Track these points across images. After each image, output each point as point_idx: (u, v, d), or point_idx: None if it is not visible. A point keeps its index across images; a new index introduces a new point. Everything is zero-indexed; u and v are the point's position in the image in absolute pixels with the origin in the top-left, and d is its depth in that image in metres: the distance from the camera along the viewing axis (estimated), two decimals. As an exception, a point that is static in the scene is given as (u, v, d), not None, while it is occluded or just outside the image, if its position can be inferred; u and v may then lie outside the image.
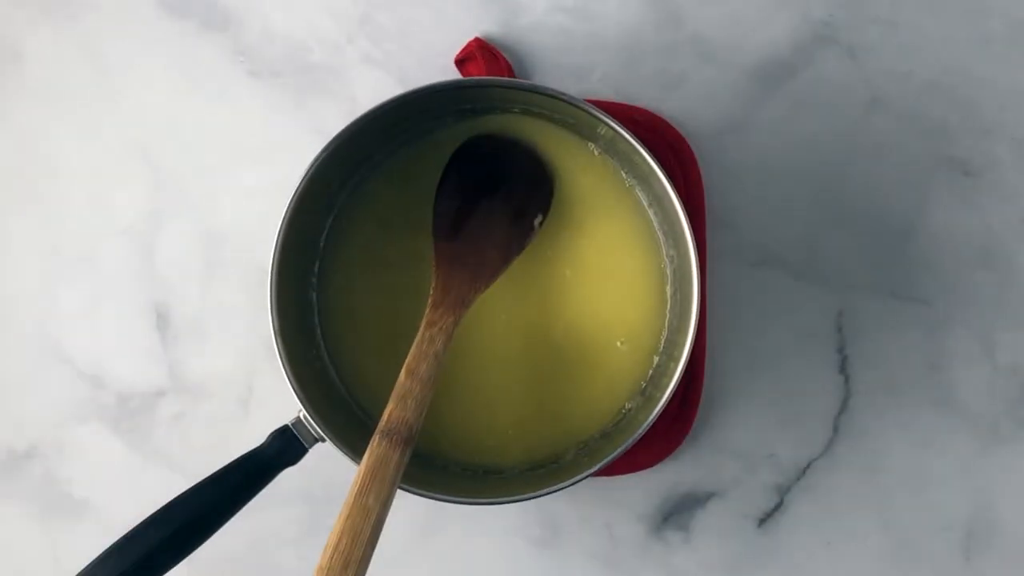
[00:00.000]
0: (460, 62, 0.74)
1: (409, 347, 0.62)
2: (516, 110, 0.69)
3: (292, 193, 0.64)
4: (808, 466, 0.74)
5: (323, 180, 0.65)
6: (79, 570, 0.59)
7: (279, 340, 0.64)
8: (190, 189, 0.76)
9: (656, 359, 0.69)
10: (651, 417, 0.64)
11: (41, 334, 0.76)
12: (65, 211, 0.76)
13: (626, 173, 0.69)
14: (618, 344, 0.69)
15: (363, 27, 0.75)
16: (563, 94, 0.64)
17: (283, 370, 0.64)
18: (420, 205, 0.69)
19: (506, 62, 0.73)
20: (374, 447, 0.58)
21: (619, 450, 0.64)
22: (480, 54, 0.73)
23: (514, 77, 0.73)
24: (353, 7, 0.75)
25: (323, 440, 0.62)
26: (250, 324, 0.75)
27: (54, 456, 0.76)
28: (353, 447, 0.64)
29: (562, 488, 0.64)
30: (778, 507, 0.74)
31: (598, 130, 0.67)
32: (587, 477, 0.64)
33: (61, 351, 0.76)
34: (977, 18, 0.74)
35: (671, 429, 0.73)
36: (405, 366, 0.61)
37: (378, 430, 0.58)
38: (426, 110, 0.68)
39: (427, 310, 0.63)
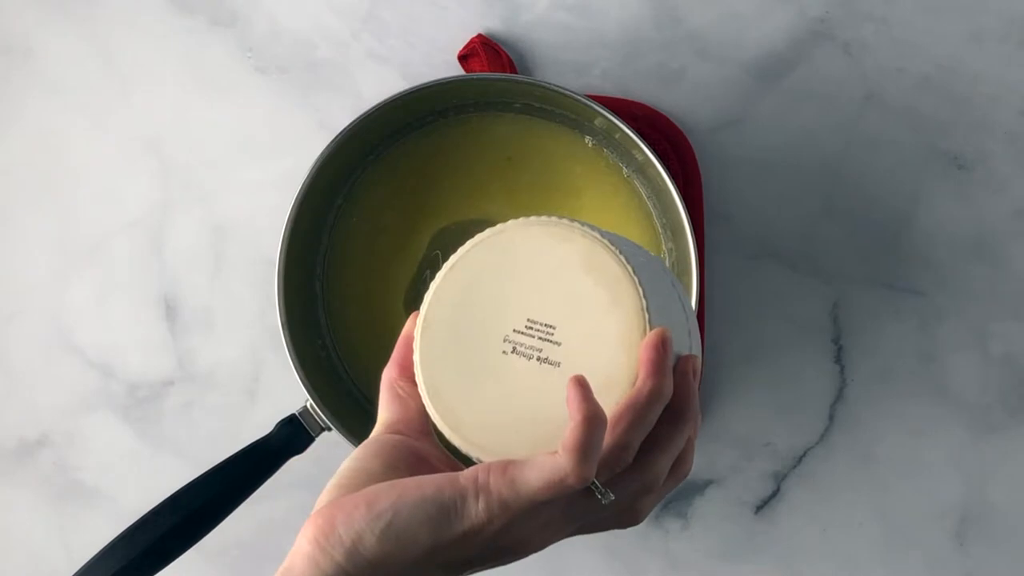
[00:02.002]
0: (463, 58, 0.74)
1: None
2: (517, 106, 0.70)
3: (299, 186, 0.65)
4: (804, 454, 0.75)
5: (329, 173, 0.66)
6: (90, 557, 0.60)
7: (286, 331, 0.65)
8: (198, 182, 0.76)
9: (655, 349, 0.70)
10: (650, 406, 0.65)
11: (52, 325, 0.77)
12: (75, 204, 0.77)
13: (626, 167, 0.70)
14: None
15: (367, 24, 0.76)
16: (565, 89, 0.64)
17: (290, 360, 0.65)
18: (424, 197, 0.70)
19: (508, 58, 0.74)
20: None
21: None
22: (482, 50, 0.73)
23: (516, 73, 0.74)
24: (358, 4, 0.76)
25: (329, 429, 0.63)
26: (257, 315, 0.75)
27: (65, 445, 0.76)
28: (358, 435, 0.64)
29: (563, 475, 0.65)
30: (775, 494, 0.75)
31: (597, 124, 0.67)
32: (588, 464, 0.65)
33: (71, 341, 0.77)
34: (970, 14, 0.74)
35: (670, 418, 0.73)
36: None
37: None
38: (429, 105, 0.69)
39: None
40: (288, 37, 0.76)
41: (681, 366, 0.44)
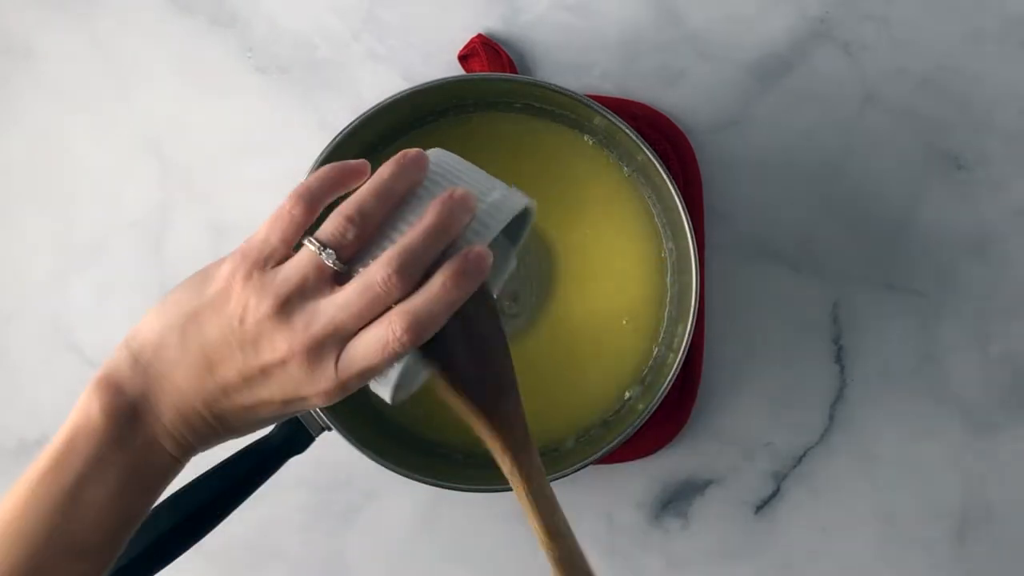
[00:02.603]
0: (463, 58, 0.74)
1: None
2: (518, 106, 0.70)
3: (299, 187, 0.64)
4: (804, 454, 0.75)
5: (329, 174, 0.66)
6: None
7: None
8: (198, 182, 0.76)
9: (656, 349, 0.70)
10: (651, 406, 0.65)
11: (52, 324, 0.77)
12: (76, 204, 0.77)
13: (626, 166, 0.70)
14: (623, 323, 0.70)
15: (368, 24, 0.76)
16: (565, 90, 0.64)
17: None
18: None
19: (508, 58, 0.74)
20: None
21: (620, 439, 0.65)
22: (483, 50, 0.73)
23: (516, 73, 0.74)
24: (358, 4, 0.76)
25: (329, 429, 0.63)
26: (257, 315, 0.75)
27: (65, 445, 0.76)
28: (359, 436, 0.64)
29: (563, 476, 0.65)
30: (775, 494, 0.75)
31: (597, 124, 0.67)
32: (588, 465, 0.65)
33: (72, 341, 0.76)
34: (970, 15, 0.74)
35: (670, 417, 0.73)
36: (545, 529, 0.53)
37: None
38: (430, 105, 0.69)
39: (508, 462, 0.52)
40: (288, 37, 0.76)
41: (451, 195, 0.48)
